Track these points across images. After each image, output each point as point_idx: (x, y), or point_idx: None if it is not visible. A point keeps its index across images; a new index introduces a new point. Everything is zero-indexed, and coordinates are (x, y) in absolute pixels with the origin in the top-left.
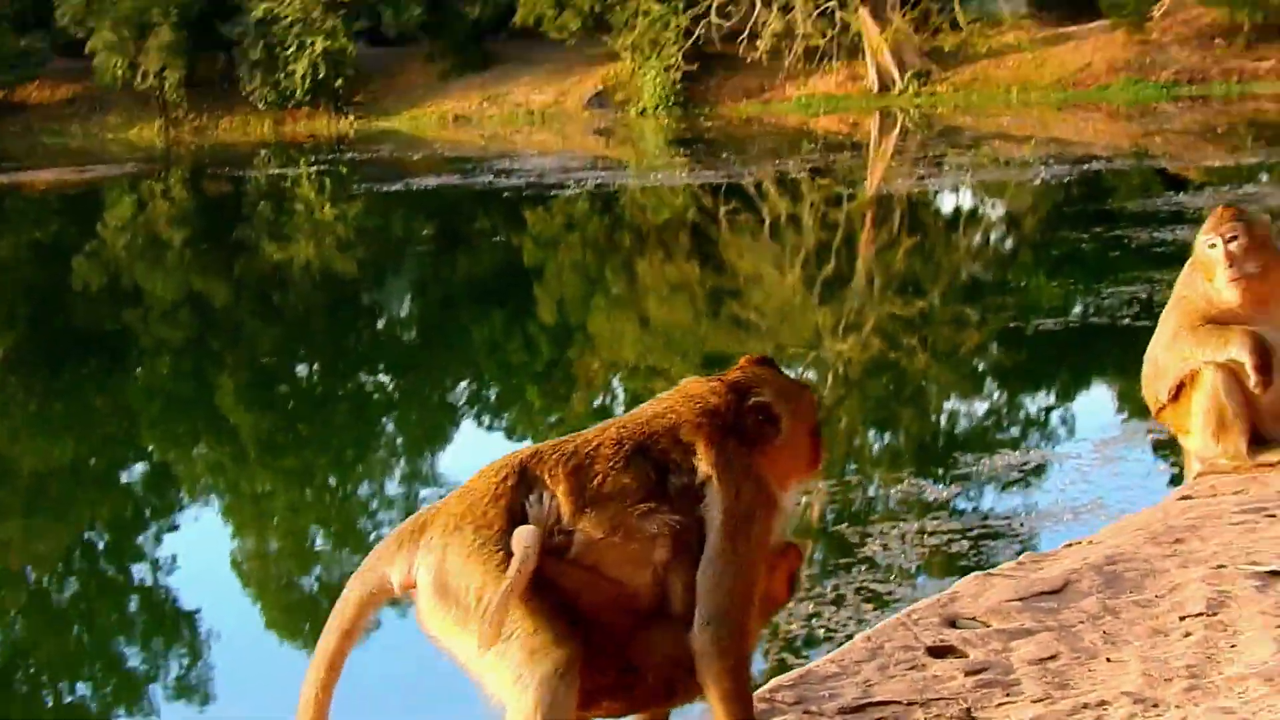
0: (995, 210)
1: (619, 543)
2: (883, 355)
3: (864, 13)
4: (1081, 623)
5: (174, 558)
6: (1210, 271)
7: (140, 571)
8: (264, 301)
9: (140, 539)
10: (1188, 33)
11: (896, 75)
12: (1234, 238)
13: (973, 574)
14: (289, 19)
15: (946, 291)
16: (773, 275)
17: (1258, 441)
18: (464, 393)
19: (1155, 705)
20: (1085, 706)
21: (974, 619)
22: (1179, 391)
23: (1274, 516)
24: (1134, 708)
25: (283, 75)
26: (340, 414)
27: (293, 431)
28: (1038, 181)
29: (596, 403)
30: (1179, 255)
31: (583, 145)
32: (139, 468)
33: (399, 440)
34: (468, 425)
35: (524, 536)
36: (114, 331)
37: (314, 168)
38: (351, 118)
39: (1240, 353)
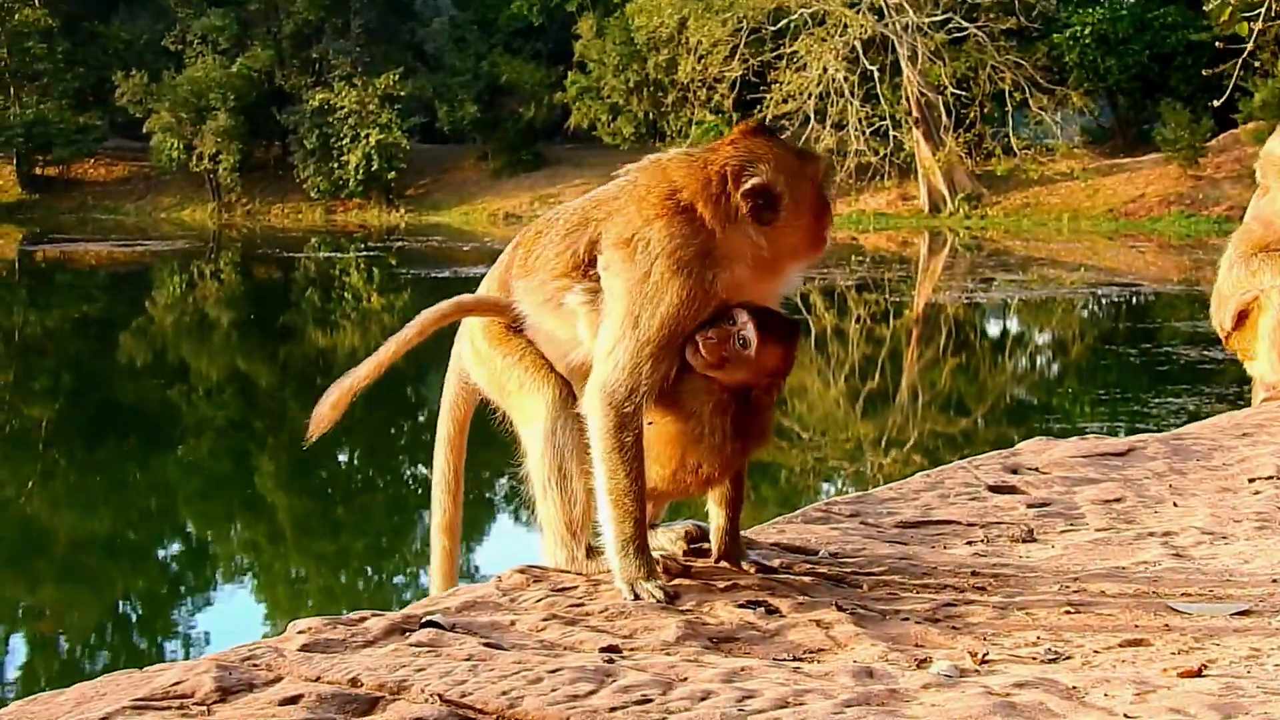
0: (1043, 329)
1: (550, 311)
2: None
3: (917, 134)
4: (1147, 478)
5: (206, 635)
6: None
7: (173, 648)
8: (308, 385)
9: (174, 614)
10: (1240, 169)
11: (948, 197)
12: None
13: (1037, 437)
14: (345, 110)
15: (993, 406)
16: (817, 386)
17: None
18: (501, 487)
19: (1224, 538)
20: (1151, 534)
21: (1037, 469)
22: (1243, 319)
23: None
24: (1202, 538)
25: (336, 165)
26: (376, 499)
27: (327, 515)
28: (1087, 304)
29: None
30: (1227, 371)
31: None
32: (174, 544)
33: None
34: (504, 519)
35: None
36: (156, 407)
37: (363, 255)
38: (402, 210)
39: None
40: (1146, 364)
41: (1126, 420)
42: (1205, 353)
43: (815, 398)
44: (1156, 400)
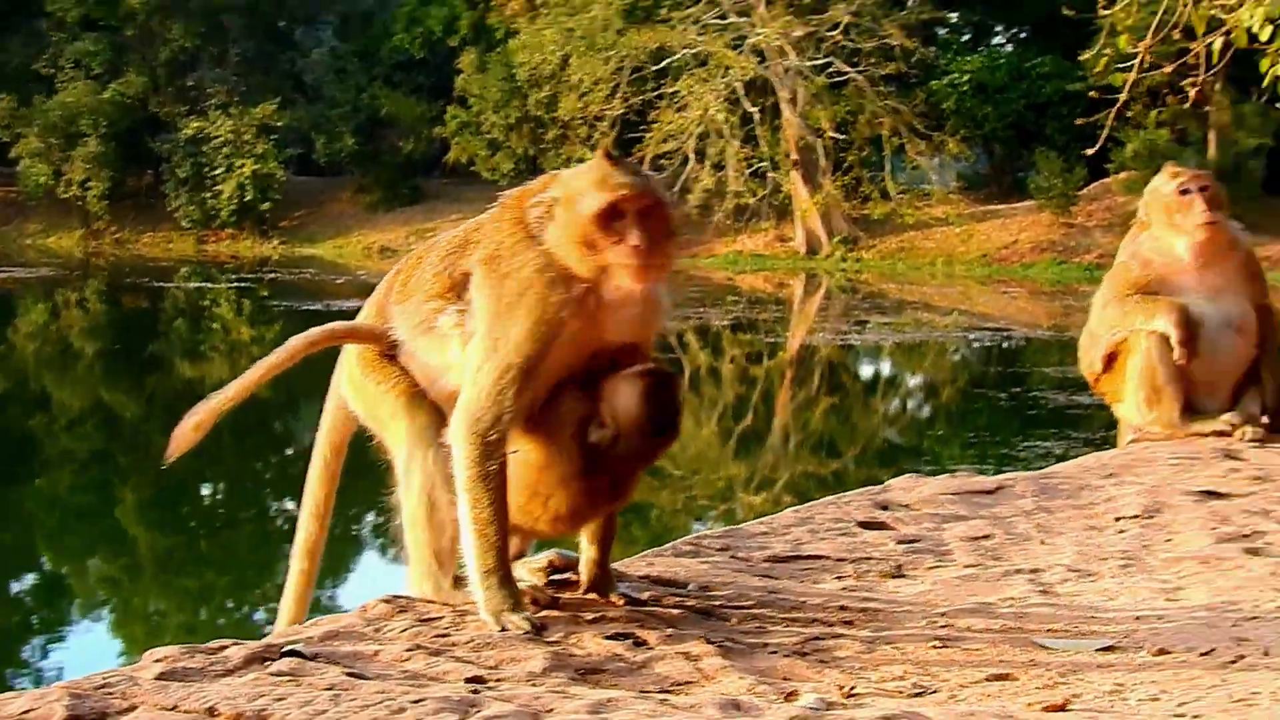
0: (915, 372)
1: (423, 335)
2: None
3: (796, 176)
4: (1015, 516)
5: (60, 670)
6: (1173, 216)
7: (24, 683)
8: (173, 417)
9: (26, 647)
10: (1112, 219)
11: (824, 239)
12: (1205, 187)
13: (906, 474)
14: (219, 139)
15: (864, 447)
16: (689, 425)
17: (1190, 411)
18: (366, 525)
19: (1090, 575)
20: (1018, 571)
21: (907, 506)
22: (1112, 360)
23: (1205, 462)
24: (1068, 575)
25: (209, 195)
26: (240, 532)
27: (190, 547)
28: (959, 348)
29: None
30: (1095, 417)
31: None
32: (29, 576)
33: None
34: (371, 550)
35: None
36: (16, 438)
37: (234, 286)
38: (276, 242)
39: (1166, 324)
40: (1016, 408)
41: (995, 462)
42: (1073, 398)
43: (687, 437)
44: (1025, 444)
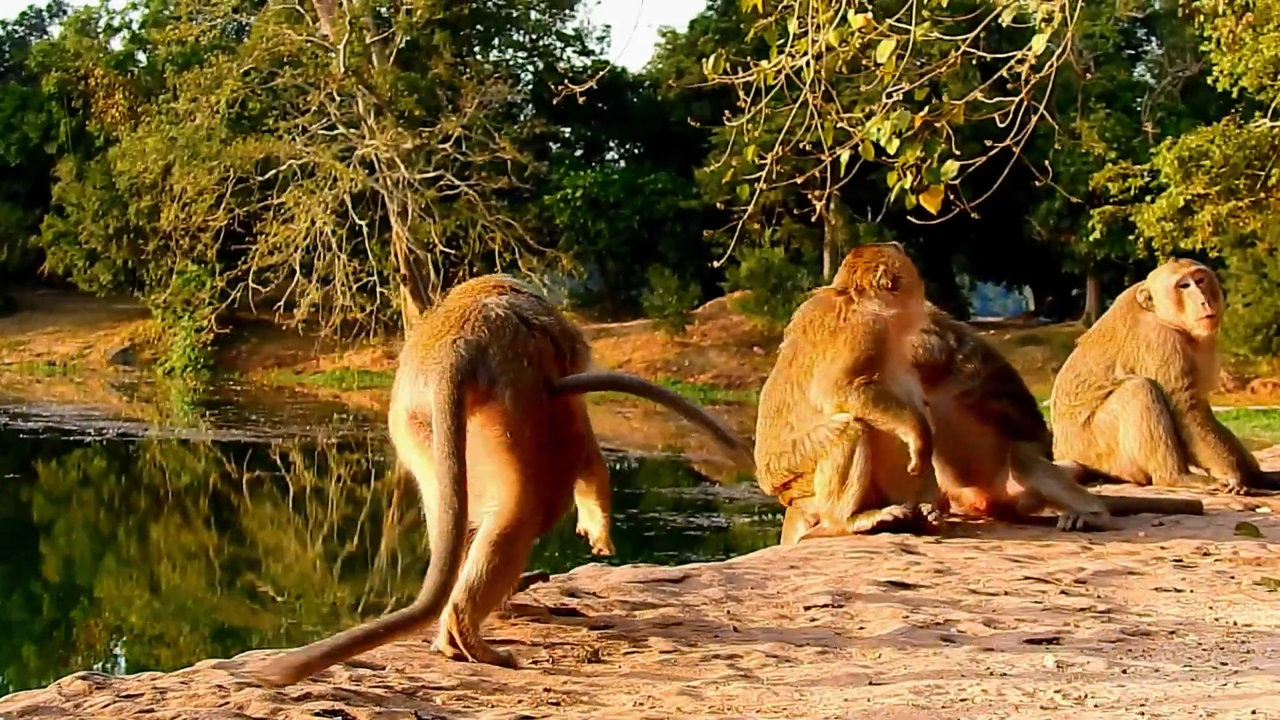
0: None
1: None
2: None
3: (405, 291)
4: (705, 604)
5: None
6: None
7: None
8: None
9: None
10: (727, 338)
11: None
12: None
13: (589, 564)
14: None
15: None
16: (293, 548)
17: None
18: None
19: (789, 661)
20: (716, 657)
21: (594, 594)
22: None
23: (885, 556)
24: (767, 660)
25: None
26: None
27: None
28: None
29: (97, 665)
30: (709, 541)
31: (104, 400)
32: None
33: None
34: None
35: None
36: None
37: None
38: None
39: (910, 433)
40: (633, 529)
41: None
42: (691, 519)
43: (291, 560)
44: (644, 565)
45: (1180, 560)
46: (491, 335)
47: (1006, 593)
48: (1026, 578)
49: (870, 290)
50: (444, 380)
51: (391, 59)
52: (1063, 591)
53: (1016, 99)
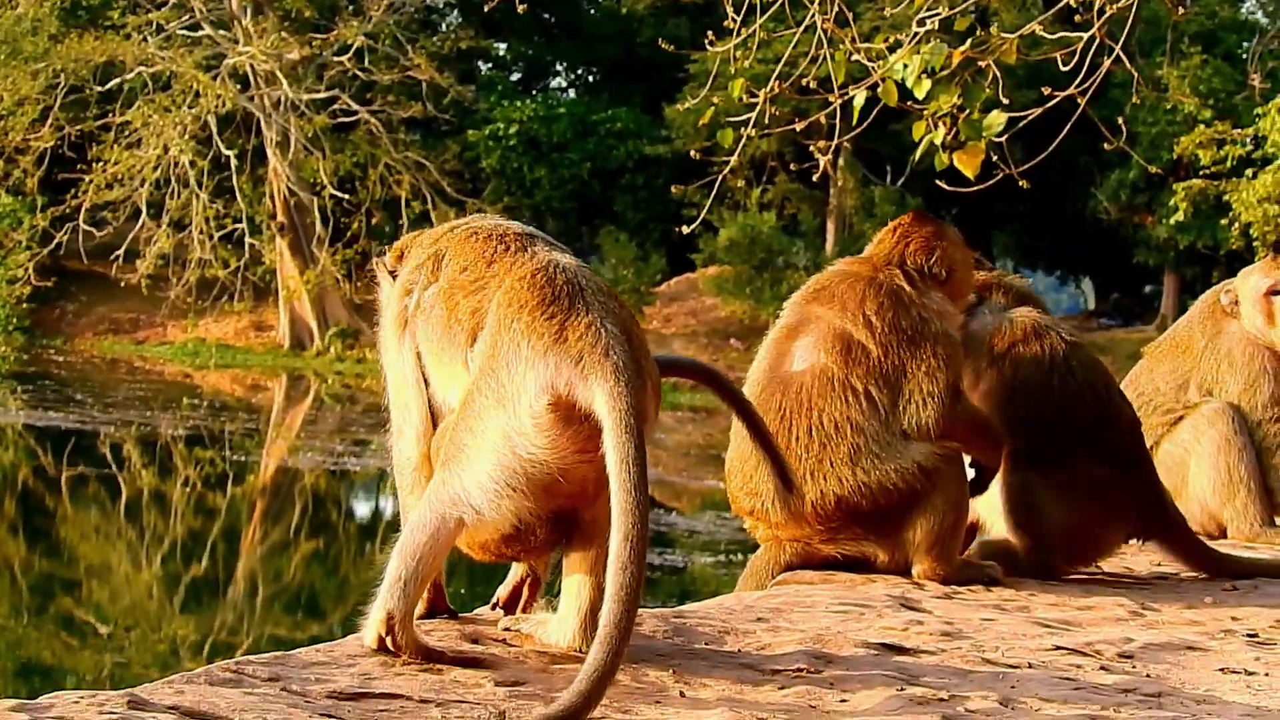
0: None
1: None
2: None
3: (282, 244)
4: (647, 661)
5: None
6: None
7: None
8: None
9: None
10: (696, 326)
11: (316, 330)
12: None
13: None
14: None
15: (358, 605)
16: (125, 568)
17: None
18: None
19: None
20: (663, 717)
21: (503, 641)
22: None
23: (879, 612)
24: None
25: None
26: None
27: None
28: None
29: None
30: (663, 582)
31: None
32: None
33: None
34: None
35: None
36: None
37: None
38: None
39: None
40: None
41: None
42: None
43: (121, 582)
44: None
45: (1255, 635)
46: (629, 321)
47: (1030, 665)
48: (1058, 647)
49: (916, 275)
50: (625, 384)
51: None
52: (1102, 667)
53: (1086, 35)
